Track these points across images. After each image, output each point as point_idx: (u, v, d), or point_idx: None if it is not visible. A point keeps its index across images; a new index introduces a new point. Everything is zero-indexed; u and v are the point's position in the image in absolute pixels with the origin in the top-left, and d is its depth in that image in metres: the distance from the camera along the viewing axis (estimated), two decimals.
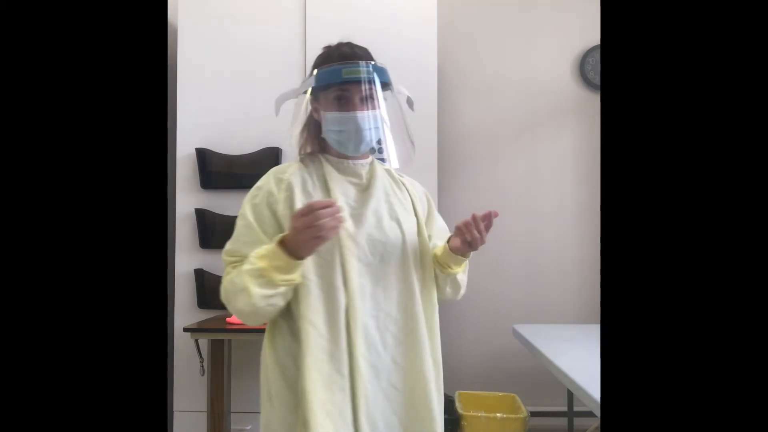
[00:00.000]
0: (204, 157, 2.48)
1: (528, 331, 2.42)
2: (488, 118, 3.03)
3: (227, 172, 2.49)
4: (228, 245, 1.17)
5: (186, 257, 2.50)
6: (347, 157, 1.22)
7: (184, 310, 2.48)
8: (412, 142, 1.21)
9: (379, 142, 1.21)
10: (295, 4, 2.53)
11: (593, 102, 2.99)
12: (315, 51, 1.22)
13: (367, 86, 1.14)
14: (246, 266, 1.07)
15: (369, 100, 1.15)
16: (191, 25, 2.53)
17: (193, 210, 2.48)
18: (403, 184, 1.29)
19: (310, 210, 1.01)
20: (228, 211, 2.46)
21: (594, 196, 2.95)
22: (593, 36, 2.97)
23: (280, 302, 1.09)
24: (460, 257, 1.19)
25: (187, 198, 2.51)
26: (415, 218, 1.24)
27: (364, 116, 1.15)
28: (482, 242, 1.14)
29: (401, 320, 1.16)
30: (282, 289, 1.06)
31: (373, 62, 1.17)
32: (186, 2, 2.54)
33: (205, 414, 2.22)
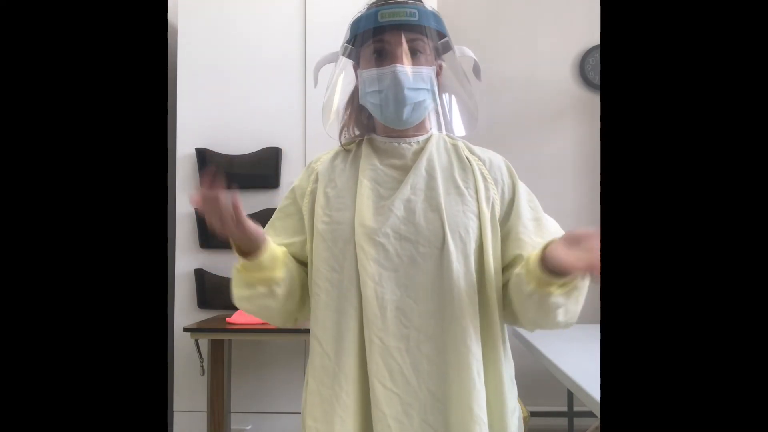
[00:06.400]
0: (204, 157, 2.48)
1: (528, 331, 2.41)
2: (488, 117, 3.02)
3: (227, 172, 2.48)
4: None
5: (186, 257, 2.50)
6: (395, 135, 0.98)
7: (184, 310, 2.48)
8: (475, 110, 0.96)
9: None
10: (295, 5, 2.53)
11: (593, 102, 2.99)
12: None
13: (412, 35, 0.91)
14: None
15: (416, 54, 0.93)
16: (191, 25, 2.53)
17: (193, 210, 2.48)
18: (470, 163, 1.01)
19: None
20: None
21: (594, 195, 2.95)
22: (593, 36, 2.97)
23: (271, 303, 0.94)
24: (556, 276, 0.86)
25: (187, 198, 2.51)
26: (475, 206, 0.96)
27: (406, 71, 0.91)
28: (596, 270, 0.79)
29: (442, 342, 0.91)
30: (261, 289, 0.91)
31: (421, 4, 0.92)
32: (186, 2, 2.54)
33: (205, 414, 2.22)
